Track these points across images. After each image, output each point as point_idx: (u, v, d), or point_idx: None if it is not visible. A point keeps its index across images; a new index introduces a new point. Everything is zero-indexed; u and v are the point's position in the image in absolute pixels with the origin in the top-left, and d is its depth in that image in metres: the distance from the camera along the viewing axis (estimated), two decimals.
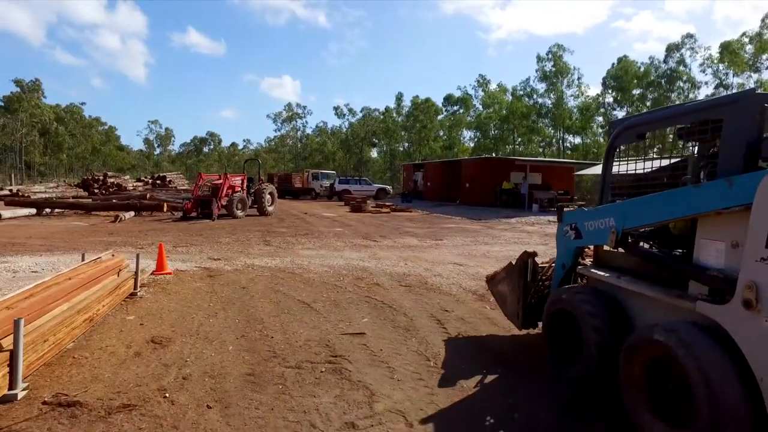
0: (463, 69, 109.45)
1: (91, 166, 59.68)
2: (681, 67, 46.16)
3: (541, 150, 57.00)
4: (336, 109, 65.91)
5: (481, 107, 60.06)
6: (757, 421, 2.30)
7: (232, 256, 9.44)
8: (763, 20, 41.88)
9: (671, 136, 3.97)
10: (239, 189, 18.78)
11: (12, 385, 3.28)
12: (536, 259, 4.58)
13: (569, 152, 54.07)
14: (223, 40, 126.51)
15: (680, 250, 3.30)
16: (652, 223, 3.24)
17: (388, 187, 40.03)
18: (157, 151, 77.00)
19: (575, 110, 51.83)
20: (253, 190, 19.53)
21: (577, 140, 55.26)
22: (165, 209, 19.40)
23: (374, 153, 68.44)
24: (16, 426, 2.95)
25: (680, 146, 3.97)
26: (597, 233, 3.68)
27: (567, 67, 49.86)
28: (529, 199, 25.67)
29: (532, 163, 28.45)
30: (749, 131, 2.76)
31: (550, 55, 49.99)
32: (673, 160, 3.81)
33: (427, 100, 58.02)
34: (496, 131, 57.89)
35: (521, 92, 53.85)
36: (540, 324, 4.44)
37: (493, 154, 50.81)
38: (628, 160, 3.88)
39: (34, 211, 18.36)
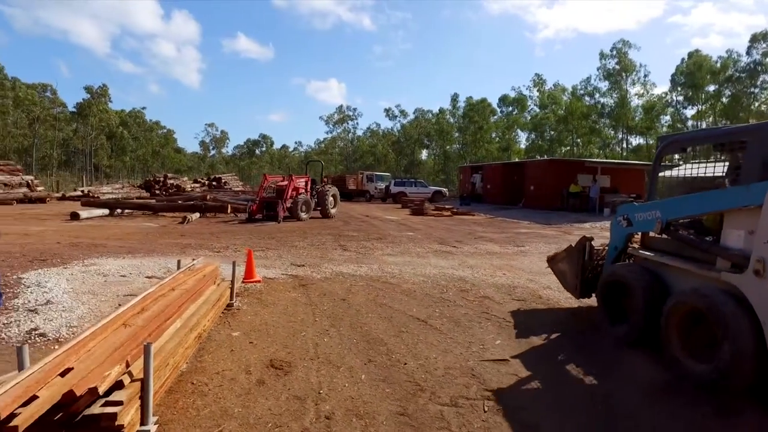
0: (509, 70, 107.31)
1: (151, 167, 61.91)
2: None
3: (598, 152, 54.42)
4: (387, 110, 65.48)
5: (536, 108, 58.15)
6: (759, 354, 3.20)
7: (315, 262, 8.92)
8: None
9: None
10: (303, 191, 18.46)
11: (144, 419, 2.74)
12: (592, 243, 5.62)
13: (631, 154, 51.28)
14: (271, 45, 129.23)
15: (710, 237, 4.18)
16: (691, 215, 4.28)
17: (444, 190, 39.10)
18: (212, 153, 79.10)
19: (639, 109, 49.02)
20: (315, 192, 19.19)
21: (638, 141, 52.40)
22: (229, 211, 19.36)
23: (424, 155, 67.56)
24: None
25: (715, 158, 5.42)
26: (645, 222, 4.67)
27: (632, 64, 47.19)
28: (600, 202, 24.13)
29: (603, 165, 26.77)
30: (765, 151, 3.78)
31: (614, 52, 47.49)
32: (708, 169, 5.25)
33: (483, 100, 56.57)
34: (552, 132, 55.71)
35: (581, 91, 51.47)
36: (593, 295, 5.50)
37: (547, 156, 48.96)
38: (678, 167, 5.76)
39: (107, 211, 18.70)
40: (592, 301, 5.59)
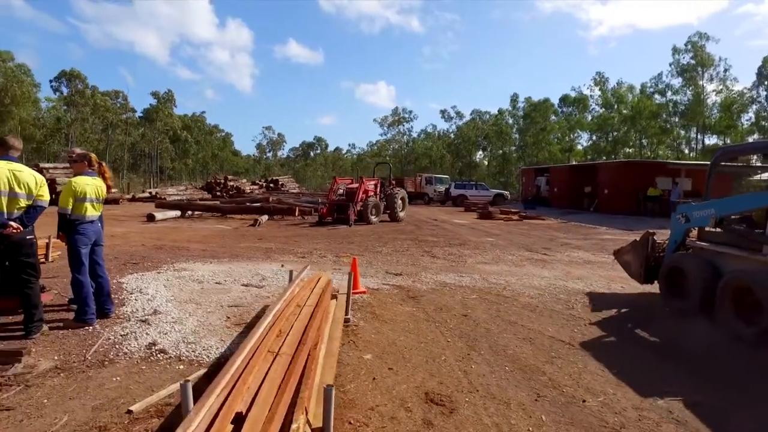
0: (560, 69, 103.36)
1: (210, 170, 63.79)
2: None
3: (669, 153, 51.12)
4: (443, 112, 64.35)
5: (597, 107, 55.47)
6: None
7: (410, 270, 8.34)
8: None
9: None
10: (372, 193, 17.99)
11: None
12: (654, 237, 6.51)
13: (701, 155, 47.78)
14: (320, 49, 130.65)
15: (759, 230, 5.02)
16: (742, 211, 5.46)
17: (506, 193, 37.77)
18: (268, 155, 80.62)
19: (716, 107, 45.60)
20: (383, 195, 18.69)
21: (713, 141, 48.68)
22: (296, 213, 19.21)
23: (479, 157, 66.05)
24: None
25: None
26: (701, 218, 5.62)
27: (710, 58, 43.87)
28: None
29: (687, 168, 24.84)
30: None
31: (689, 46, 44.35)
32: None
33: (546, 100, 54.45)
34: (616, 133, 52.84)
35: (651, 89, 48.47)
36: (654, 282, 6.38)
37: (611, 158, 46.49)
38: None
39: (178, 213, 18.98)
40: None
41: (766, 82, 42.91)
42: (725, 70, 44.51)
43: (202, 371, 3.60)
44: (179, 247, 10.41)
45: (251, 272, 7.61)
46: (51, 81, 48.92)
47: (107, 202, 23.89)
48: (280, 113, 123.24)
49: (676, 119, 48.25)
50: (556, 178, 32.23)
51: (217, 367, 3.70)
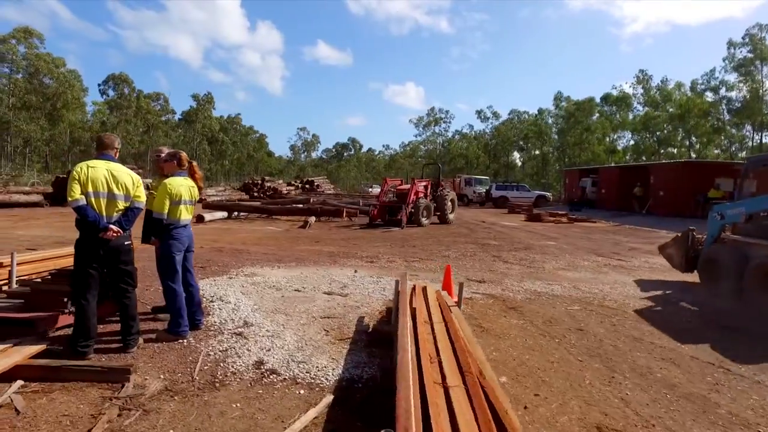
0: (592, 68, 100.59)
1: (245, 171, 64.46)
2: None
3: (717, 152, 48.79)
4: (479, 112, 63.28)
5: (639, 106, 53.48)
6: None
7: (491, 277, 7.81)
8: None
9: None
10: (422, 195, 17.47)
11: None
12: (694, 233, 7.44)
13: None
14: (349, 51, 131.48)
15: None
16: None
17: (548, 194, 36.74)
18: (303, 156, 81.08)
19: None
20: (433, 197, 18.14)
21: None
22: (344, 215, 18.87)
23: (516, 157, 64.71)
24: None
25: None
26: (734, 215, 6.70)
27: None
28: None
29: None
30: None
31: (746, 39, 41.98)
32: None
33: (590, 99, 52.75)
34: (658, 133, 50.72)
35: (702, 86, 46.24)
36: (694, 271, 7.44)
37: (653, 158, 44.63)
38: None
39: (225, 214, 18.92)
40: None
41: None
42: None
43: (329, 398, 3.17)
44: (238, 249, 10.14)
45: (326, 278, 7.21)
46: (99, 84, 50.60)
47: None
48: (309, 114, 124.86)
49: (729, 117, 45.82)
50: (604, 179, 31.00)
51: (343, 392, 3.27)
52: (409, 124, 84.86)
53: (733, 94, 44.54)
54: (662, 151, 51.17)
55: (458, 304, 4.82)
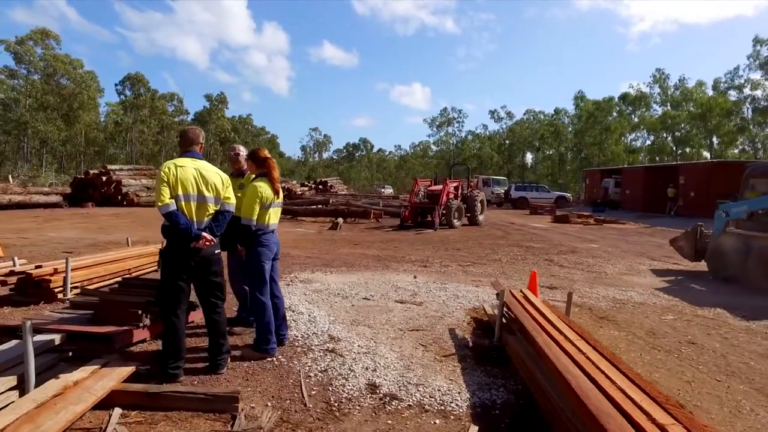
0: (598, 67, 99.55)
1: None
2: None
3: (736, 152, 47.87)
4: (492, 112, 62.61)
5: (655, 105, 52.60)
6: None
7: (558, 283, 7.36)
8: None
9: None
10: (452, 196, 17.00)
11: None
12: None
13: None
14: (355, 51, 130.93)
15: None
16: (766, 207, 7.46)
17: (568, 195, 36.12)
18: (314, 156, 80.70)
19: None
20: (462, 198, 17.67)
21: None
22: (372, 216, 18.46)
23: (529, 158, 63.98)
24: None
25: None
26: (737, 213, 7.76)
27: None
28: None
29: None
30: None
31: None
32: None
33: (610, 99, 51.87)
34: (677, 133, 49.82)
35: (725, 85, 45.26)
36: (702, 260, 8.53)
37: (671, 159, 43.79)
38: None
39: None
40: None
41: None
42: None
43: (474, 429, 2.74)
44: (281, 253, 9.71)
45: (388, 285, 6.78)
46: (116, 84, 50.54)
47: None
48: (315, 115, 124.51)
49: (751, 116, 44.80)
50: (628, 179, 30.35)
51: (484, 421, 2.85)
52: (416, 124, 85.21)
53: (757, 92, 43.61)
54: (680, 151, 50.34)
55: (567, 315, 4.36)
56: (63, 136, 41.28)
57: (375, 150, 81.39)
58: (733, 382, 3.66)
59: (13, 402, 2.68)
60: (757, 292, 6.93)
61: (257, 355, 3.80)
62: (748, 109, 44.85)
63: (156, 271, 7.37)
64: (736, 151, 48.64)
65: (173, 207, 3.21)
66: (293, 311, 5.20)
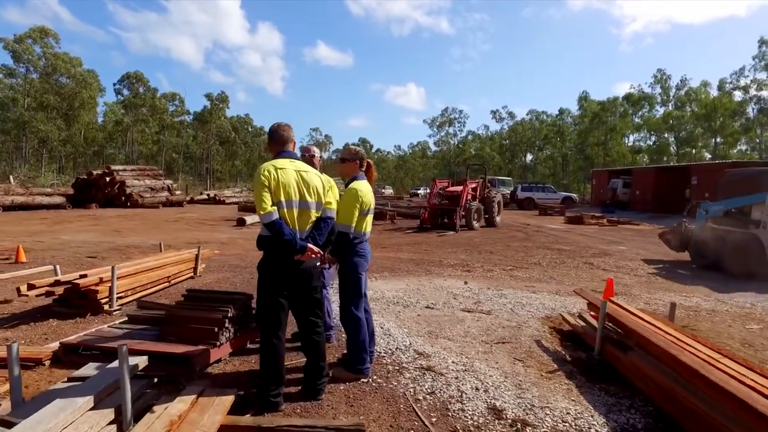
0: (590, 68, 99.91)
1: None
2: None
3: (737, 152, 47.95)
4: (494, 112, 62.46)
5: (657, 106, 52.57)
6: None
7: (616, 289, 7.05)
8: None
9: None
10: (471, 197, 16.71)
11: None
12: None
13: None
14: (350, 52, 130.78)
15: (748, 217, 8.58)
16: (739, 206, 8.91)
17: (575, 196, 35.98)
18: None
19: None
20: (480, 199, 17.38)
21: None
22: (387, 218, 18.16)
23: (528, 158, 63.80)
24: None
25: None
26: (716, 211, 9.18)
27: None
28: None
29: None
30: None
31: None
32: None
33: (615, 99, 51.82)
34: (681, 134, 49.83)
35: (731, 85, 45.29)
36: (686, 251, 9.84)
37: (668, 161, 43.83)
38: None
39: None
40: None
41: None
42: None
43: None
44: None
45: (442, 291, 6.49)
46: (114, 84, 49.85)
47: (172, 204, 23.14)
48: (310, 115, 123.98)
49: (758, 117, 44.81)
50: (638, 180, 30.16)
51: None
52: (412, 124, 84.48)
53: (763, 93, 43.62)
54: (681, 151, 50.38)
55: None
56: (63, 136, 40.58)
57: (374, 150, 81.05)
58: None
59: None
60: None
61: (351, 376, 3.46)
62: (753, 109, 44.90)
63: (192, 278, 7.06)
64: (735, 151, 48.76)
65: (276, 215, 2.86)
66: None
